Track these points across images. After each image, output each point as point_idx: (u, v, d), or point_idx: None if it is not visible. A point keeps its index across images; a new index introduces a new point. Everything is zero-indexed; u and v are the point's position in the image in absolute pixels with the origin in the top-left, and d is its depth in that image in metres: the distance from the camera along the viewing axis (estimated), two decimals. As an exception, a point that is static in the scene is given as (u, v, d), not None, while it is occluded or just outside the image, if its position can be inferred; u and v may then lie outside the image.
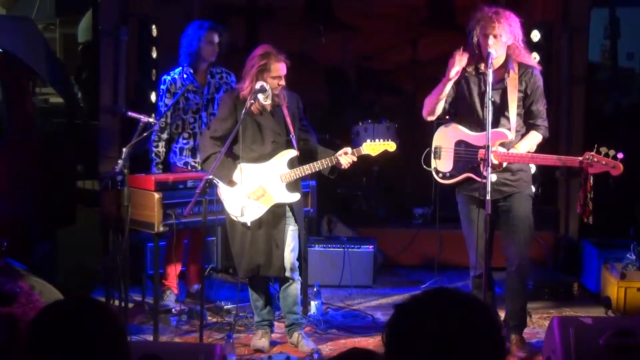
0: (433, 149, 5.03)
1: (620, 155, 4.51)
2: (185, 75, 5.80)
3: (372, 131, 7.36)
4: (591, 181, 4.64)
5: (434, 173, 5.05)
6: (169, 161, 5.98)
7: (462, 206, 5.01)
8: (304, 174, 5.02)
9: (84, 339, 1.92)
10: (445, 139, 4.99)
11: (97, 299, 2.15)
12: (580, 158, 4.62)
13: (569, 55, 6.80)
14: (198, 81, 5.83)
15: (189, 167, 5.86)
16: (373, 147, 5.04)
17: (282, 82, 4.93)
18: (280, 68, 4.90)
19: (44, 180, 6.53)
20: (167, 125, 5.80)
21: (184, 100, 5.79)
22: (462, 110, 4.95)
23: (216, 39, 5.75)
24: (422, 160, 5.10)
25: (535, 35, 6.62)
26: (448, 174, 4.99)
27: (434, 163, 5.04)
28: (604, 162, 4.52)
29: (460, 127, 4.94)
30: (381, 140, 5.07)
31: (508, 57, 4.81)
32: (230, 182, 4.94)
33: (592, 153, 4.55)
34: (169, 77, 5.83)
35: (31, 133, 6.53)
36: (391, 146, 5.07)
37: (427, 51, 8.26)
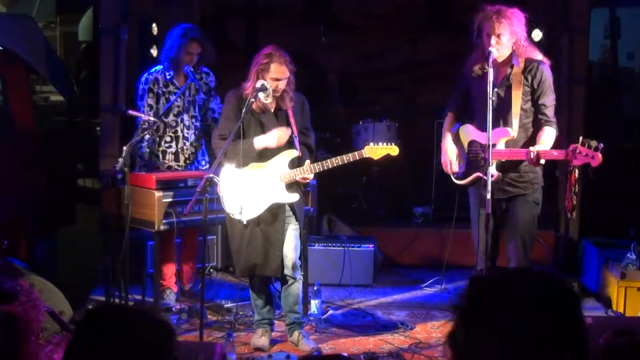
0: None
1: (600, 146, 4.49)
2: (168, 75, 5.76)
3: (372, 130, 7.36)
4: (576, 174, 4.64)
5: (451, 174, 5.12)
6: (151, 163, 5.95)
7: (472, 203, 5.05)
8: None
9: (129, 345, 1.90)
10: (460, 140, 5.04)
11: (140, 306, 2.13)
12: (565, 150, 4.60)
13: (569, 55, 6.80)
14: (178, 83, 5.81)
15: (172, 171, 5.80)
16: (375, 150, 4.99)
17: (281, 86, 4.90)
18: (279, 70, 4.86)
19: (44, 179, 6.53)
20: (149, 126, 5.56)
21: (164, 100, 5.76)
22: (473, 110, 4.98)
23: (196, 49, 5.70)
24: (436, 162, 5.14)
25: (537, 35, 6.62)
26: (461, 174, 5.02)
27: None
28: (584, 154, 4.49)
29: (472, 127, 4.97)
30: (383, 143, 5.03)
31: (512, 53, 4.79)
32: (244, 163, 4.91)
33: (576, 145, 4.53)
34: (150, 77, 5.76)
35: (31, 132, 6.53)
36: (393, 150, 5.02)
37: (427, 51, 8.27)
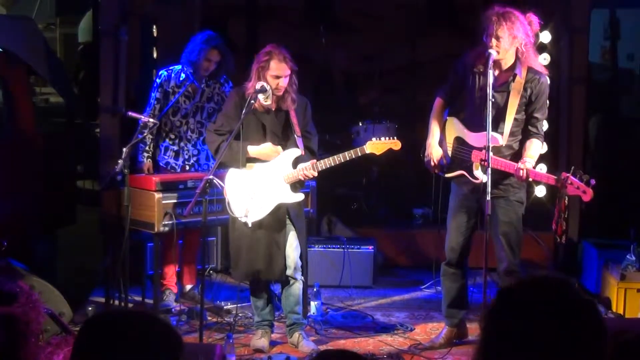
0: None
1: (592, 182, 4.46)
2: (183, 75, 5.81)
3: (372, 131, 7.34)
4: (566, 201, 4.62)
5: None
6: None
7: (452, 196, 5.07)
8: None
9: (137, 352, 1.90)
10: (445, 133, 5.01)
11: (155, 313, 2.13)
12: (556, 177, 4.56)
13: (569, 56, 6.79)
14: (191, 87, 5.84)
15: (169, 168, 5.89)
16: (377, 145, 4.95)
17: (282, 83, 4.90)
18: (279, 67, 4.86)
19: (44, 180, 6.53)
20: (154, 117, 5.71)
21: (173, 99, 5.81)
22: (463, 104, 4.94)
23: (216, 57, 5.76)
24: (421, 152, 5.11)
25: (547, 37, 6.61)
26: (445, 168, 5.01)
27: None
28: (576, 186, 4.46)
29: (459, 122, 4.95)
30: (385, 138, 5.00)
31: (517, 60, 4.76)
32: (243, 163, 4.93)
33: (568, 174, 4.49)
34: (165, 73, 5.85)
35: (31, 133, 6.52)
36: (396, 144, 4.99)
37: (427, 51, 8.26)
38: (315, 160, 4.93)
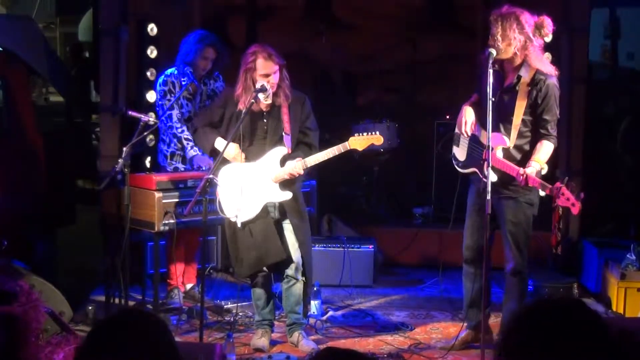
0: (455, 135, 5.07)
1: (582, 196, 4.45)
2: (185, 79, 5.80)
3: (372, 131, 7.34)
4: (560, 211, 4.60)
5: (452, 159, 5.11)
6: (158, 163, 6.00)
7: (469, 194, 5.05)
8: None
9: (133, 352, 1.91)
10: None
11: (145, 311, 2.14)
12: (551, 187, 4.55)
13: (569, 55, 6.79)
14: (192, 87, 5.85)
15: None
16: (359, 141, 4.90)
17: (273, 80, 4.88)
18: (266, 66, 4.85)
19: (44, 180, 6.53)
20: (180, 124, 5.82)
21: (177, 105, 5.80)
22: (481, 104, 4.94)
23: (212, 54, 5.78)
24: (440, 145, 5.09)
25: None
26: (461, 164, 5.03)
27: (454, 149, 5.10)
28: (566, 197, 4.44)
29: (477, 122, 4.94)
30: (367, 133, 4.94)
31: (524, 60, 4.74)
32: (213, 151, 5.00)
33: (561, 185, 4.49)
34: (168, 78, 5.84)
35: (31, 133, 6.52)
36: (378, 139, 4.93)
37: (427, 51, 8.26)
38: (300, 159, 4.93)
